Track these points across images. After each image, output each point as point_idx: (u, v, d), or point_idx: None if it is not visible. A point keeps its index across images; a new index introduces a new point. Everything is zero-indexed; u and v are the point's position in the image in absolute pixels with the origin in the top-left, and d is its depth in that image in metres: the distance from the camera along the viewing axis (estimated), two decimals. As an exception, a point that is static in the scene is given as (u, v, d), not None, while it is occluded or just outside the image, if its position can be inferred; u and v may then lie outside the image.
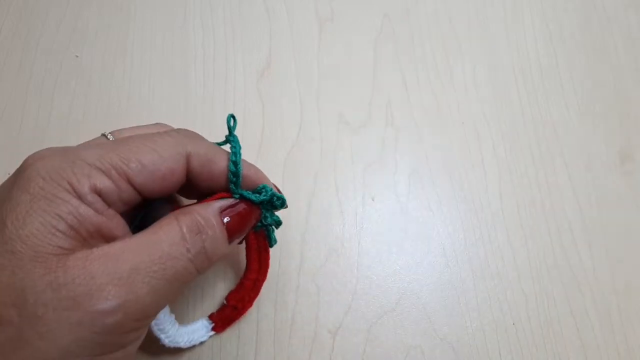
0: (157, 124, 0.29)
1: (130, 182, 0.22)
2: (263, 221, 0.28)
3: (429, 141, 0.38)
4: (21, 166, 0.23)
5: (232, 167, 0.25)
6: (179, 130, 0.25)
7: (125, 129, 0.27)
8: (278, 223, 0.29)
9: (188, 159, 0.24)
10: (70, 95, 0.39)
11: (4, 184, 0.23)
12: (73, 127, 0.38)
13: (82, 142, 0.37)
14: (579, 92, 0.40)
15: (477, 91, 0.40)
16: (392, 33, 0.42)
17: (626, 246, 0.35)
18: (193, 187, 0.26)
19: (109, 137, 0.26)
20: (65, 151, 0.23)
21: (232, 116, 0.27)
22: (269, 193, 0.27)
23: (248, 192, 0.26)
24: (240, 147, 0.26)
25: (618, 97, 0.40)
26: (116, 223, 0.22)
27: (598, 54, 0.42)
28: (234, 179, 0.25)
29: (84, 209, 0.21)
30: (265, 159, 0.37)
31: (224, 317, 0.31)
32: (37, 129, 0.38)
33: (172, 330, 0.28)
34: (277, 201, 0.27)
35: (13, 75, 0.39)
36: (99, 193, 0.22)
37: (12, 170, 0.36)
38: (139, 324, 0.22)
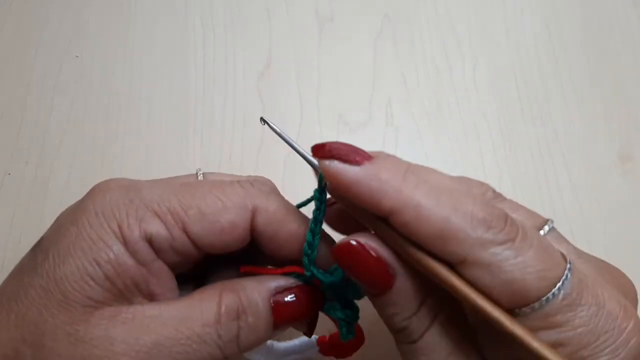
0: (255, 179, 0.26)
1: (185, 230, 0.21)
2: (331, 313, 0.23)
3: (428, 141, 0.38)
4: (88, 192, 0.22)
5: (309, 237, 0.21)
6: (254, 181, 0.23)
7: (216, 173, 0.26)
8: (350, 319, 0.23)
9: (254, 214, 0.22)
10: (70, 95, 0.39)
11: (71, 206, 0.22)
12: (73, 127, 0.38)
13: (80, 142, 0.37)
14: (579, 92, 0.40)
15: (477, 91, 0.40)
16: (392, 33, 0.42)
17: (626, 245, 0.35)
18: (260, 251, 0.23)
19: (199, 176, 0.25)
20: (129, 187, 0.22)
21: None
22: (341, 276, 0.22)
23: (321, 270, 0.22)
24: (324, 214, 0.21)
25: (618, 97, 0.40)
26: (159, 279, 0.21)
27: (598, 54, 0.42)
28: (309, 251, 0.21)
29: (125, 259, 0.20)
30: (266, 159, 0.37)
31: (333, 346, 0.27)
32: (37, 129, 0.37)
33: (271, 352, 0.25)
34: (351, 286, 0.22)
35: (13, 75, 0.39)
36: (148, 239, 0.20)
37: (12, 170, 0.36)
38: None
